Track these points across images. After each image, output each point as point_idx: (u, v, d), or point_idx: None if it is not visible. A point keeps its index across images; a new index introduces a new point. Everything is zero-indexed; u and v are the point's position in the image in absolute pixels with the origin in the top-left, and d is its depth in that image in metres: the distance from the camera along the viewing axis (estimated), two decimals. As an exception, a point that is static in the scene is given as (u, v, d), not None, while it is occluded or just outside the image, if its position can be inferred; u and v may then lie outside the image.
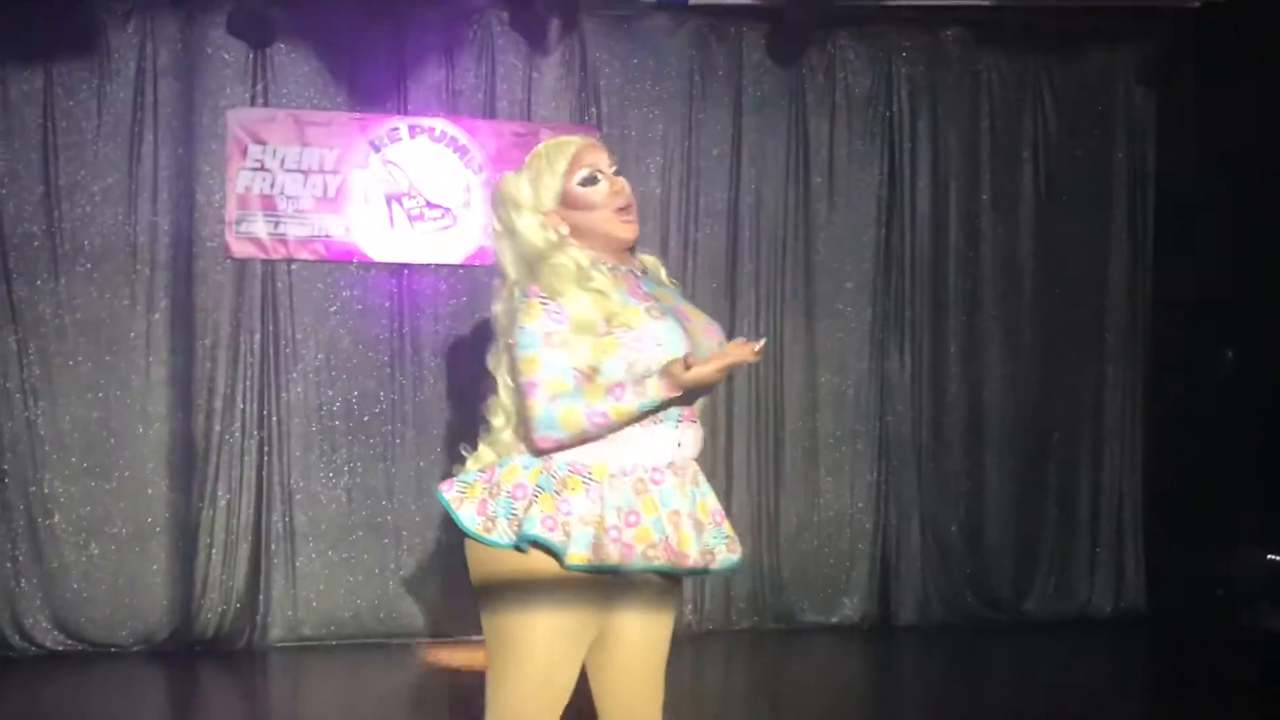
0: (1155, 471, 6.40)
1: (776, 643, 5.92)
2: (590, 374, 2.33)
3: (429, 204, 5.70)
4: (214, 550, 5.54)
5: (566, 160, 2.42)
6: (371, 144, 5.66)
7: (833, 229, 6.16)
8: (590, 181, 2.41)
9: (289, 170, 5.58)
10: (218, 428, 5.57)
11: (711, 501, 2.47)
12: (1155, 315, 6.41)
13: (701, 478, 2.47)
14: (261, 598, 5.60)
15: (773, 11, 5.84)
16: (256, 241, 5.58)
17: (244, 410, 5.61)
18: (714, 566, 2.44)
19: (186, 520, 5.54)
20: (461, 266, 5.76)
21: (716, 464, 6.01)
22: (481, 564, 2.37)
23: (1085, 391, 6.40)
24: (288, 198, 5.59)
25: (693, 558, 2.38)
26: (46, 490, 5.42)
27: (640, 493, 2.34)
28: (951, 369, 6.27)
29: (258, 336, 5.63)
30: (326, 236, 5.63)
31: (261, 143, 5.56)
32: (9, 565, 5.38)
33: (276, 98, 5.62)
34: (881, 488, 6.20)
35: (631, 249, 2.49)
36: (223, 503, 5.56)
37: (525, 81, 5.86)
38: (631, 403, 2.29)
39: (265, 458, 5.63)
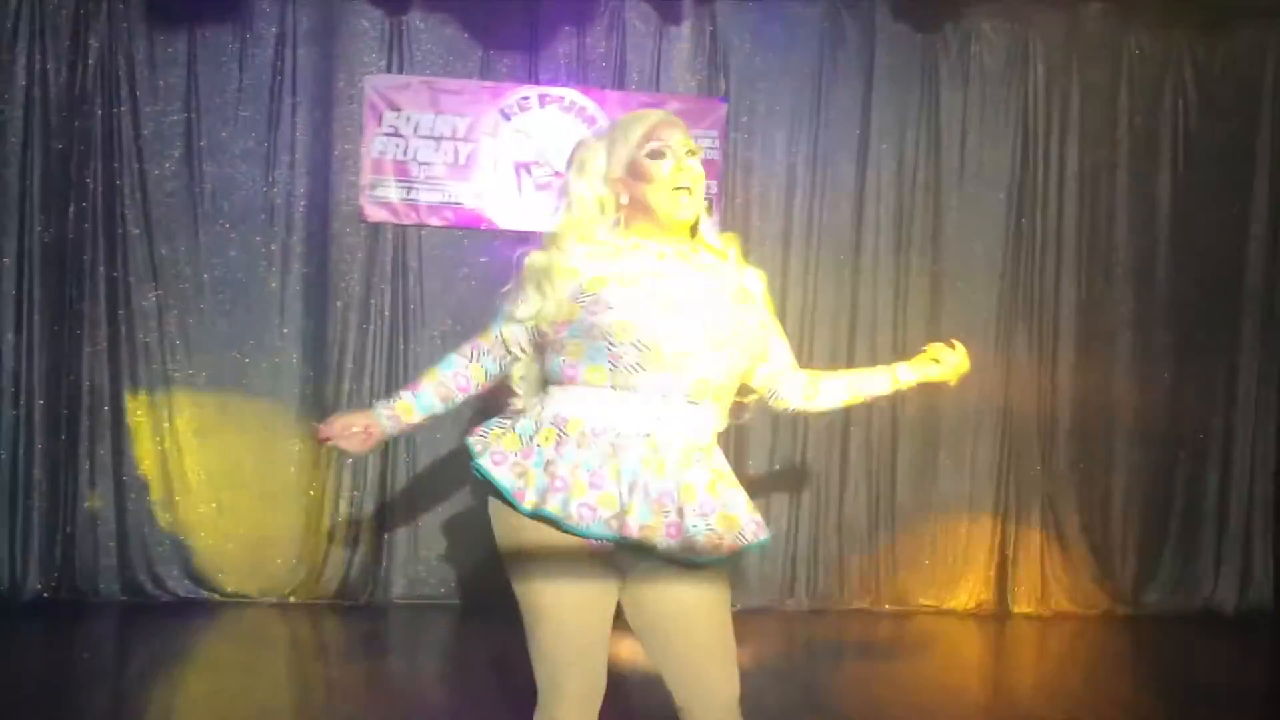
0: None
1: (890, 626, 5.88)
2: (555, 335, 2.46)
3: (556, 173, 5.74)
4: (341, 507, 5.67)
5: (642, 132, 2.50)
6: (502, 112, 5.72)
7: (962, 207, 6.07)
8: (656, 155, 2.48)
9: (422, 137, 5.67)
10: (347, 387, 5.70)
11: (703, 489, 2.41)
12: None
13: (703, 461, 2.44)
14: (385, 555, 5.71)
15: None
16: (389, 206, 5.68)
17: (373, 370, 5.72)
18: (661, 545, 2.37)
19: (315, 477, 5.67)
20: (587, 236, 5.79)
21: (832, 446, 5.99)
22: (494, 523, 2.50)
23: (1218, 383, 6.24)
24: (420, 164, 5.68)
25: (642, 533, 2.36)
26: (182, 443, 5.60)
27: (609, 457, 2.38)
28: (1079, 354, 6.15)
29: (388, 299, 5.73)
30: (457, 203, 5.70)
31: (397, 109, 5.65)
32: (145, 514, 5.56)
33: (411, 65, 5.71)
34: (1002, 473, 6.12)
35: (687, 226, 2.53)
36: (350, 461, 5.69)
37: (655, 53, 5.87)
38: None
39: (393, 418, 5.72)
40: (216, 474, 5.61)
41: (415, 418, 2.56)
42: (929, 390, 5.87)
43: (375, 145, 5.65)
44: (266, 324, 5.66)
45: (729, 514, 2.43)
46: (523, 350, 2.55)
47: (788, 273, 5.96)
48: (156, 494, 5.57)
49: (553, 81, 5.77)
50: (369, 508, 5.70)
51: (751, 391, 2.67)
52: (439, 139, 5.69)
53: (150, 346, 5.59)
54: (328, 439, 2.54)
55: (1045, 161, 6.10)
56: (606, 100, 5.78)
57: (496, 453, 2.44)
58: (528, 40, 5.76)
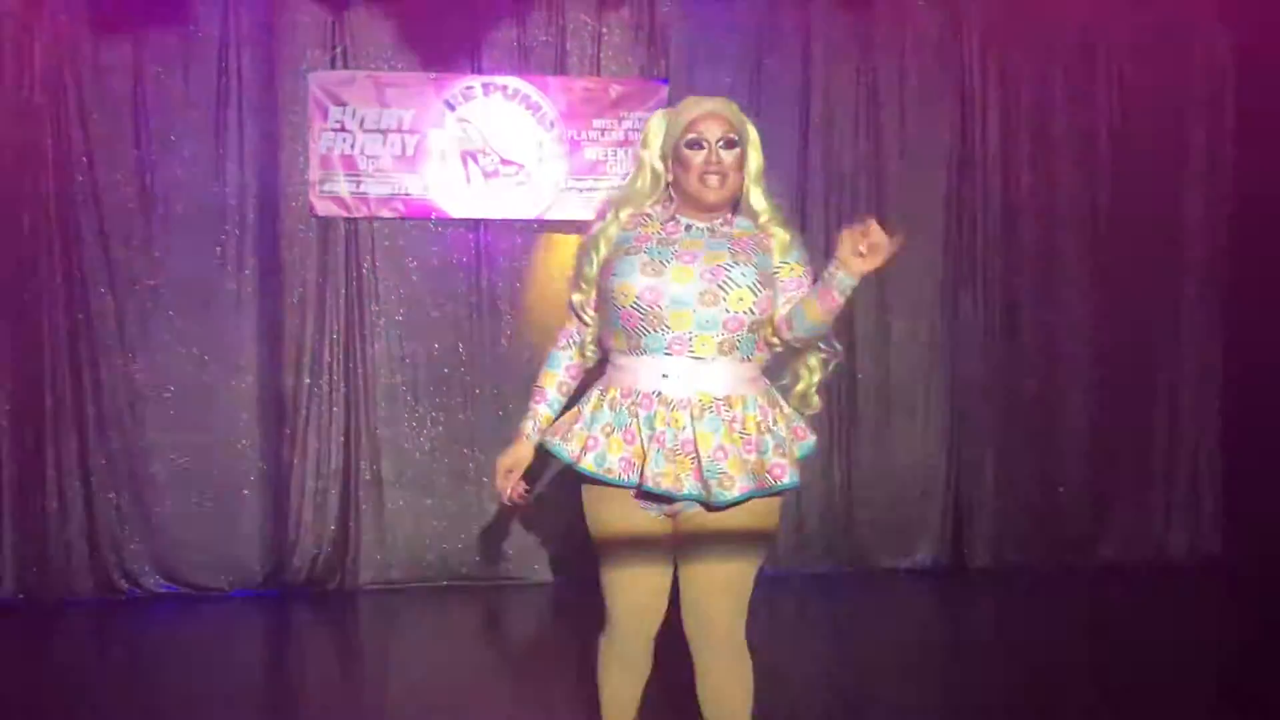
0: (1233, 414, 6.37)
1: (850, 586, 6.03)
2: (597, 303, 2.85)
3: (503, 160, 5.84)
4: (305, 497, 5.78)
5: (685, 122, 2.77)
6: (447, 103, 5.81)
7: (903, 177, 6.18)
8: (693, 145, 2.74)
9: (368, 131, 5.76)
10: (306, 380, 5.80)
11: (718, 437, 2.69)
12: (1233, 255, 6.34)
13: (718, 412, 2.70)
14: (351, 542, 5.83)
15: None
16: (339, 200, 5.77)
17: (330, 363, 5.82)
18: (684, 493, 2.69)
19: (279, 469, 5.78)
20: (535, 221, 5.90)
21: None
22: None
23: (1161, 335, 6.37)
24: (368, 157, 5.76)
25: (655, 481, 2.68)
26: (146, 442, 5.70)
27: (633, 416, 2.72)
28: (1024, 313, 6.28)
29: (343, 292, 5.83)
30: (406, 194, 5.80)
31: (342, 104, 5.73)
32: (114, 513, 5.66)
33: (355, 60, 5.78)
34: (954, 432, 6.26)
35: (722, 208, 2.80)
36: (312, 452, 5.80)
37: (595, 38, 5.94)
38: None
39: (352, 409, 5.84)
40: (181, 470, 5.72)
41: (553, 419, 2.91)
42: (880, 355, 6.11)
43: (322, 141, 5.74)
44: (223, 322, 5.75)
45: (744, 459, 2.69)
46: (588, 316, 2.88)
47: (735, 248, 6.06)
48: (124, 492, 5.68)
49: (495, 70, 5.85)
50: (333, 497, 5.81)
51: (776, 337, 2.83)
52: (385, 132, 5.78)
53: (110, 348, 5.68)
54: (512, 500, 2.94)
55: (984, 127, 6.20)
56: (549, 86, 5.87)
57: (559, 428, 2.84)
58: (469, 31, 5.83)
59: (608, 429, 2.73)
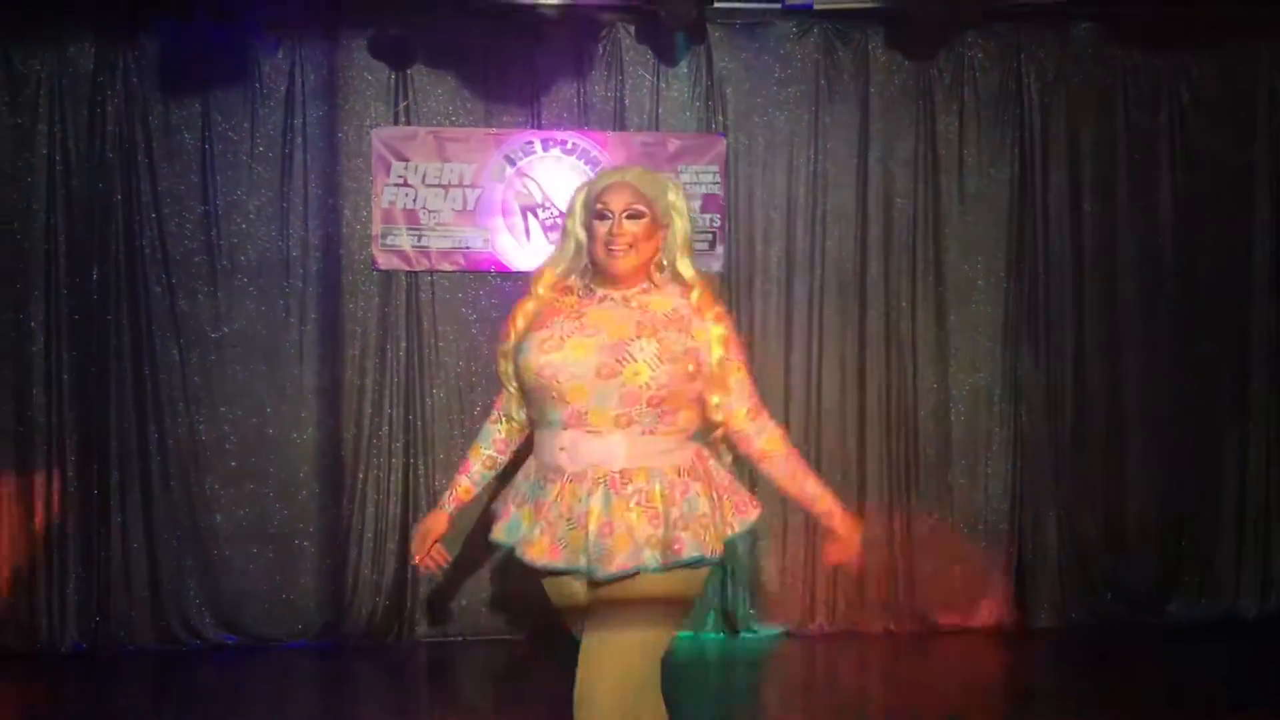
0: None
1: (910, 646, 5.92)
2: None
3: (561, 214, 5.86)
4: (363, 549, 5.81)
5: (595, 193, 2.84)
6: (507, 158, 5.87)
7: (963, 228, 6.14)
8: (598, 217, 2.82)
9: (430, 185, 5.83)
10: (366, 432, 5.84)
11: (605, 513, 2.70)
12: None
13: (610, 486, 2.72)
14: (409, 595, 5.83)
15: (898, 13, 5.86)
16: (401, 254, 5.83)
17: (391, 415, 5.86)
18: (562, 565, 2.77)
19: (338, 521, 5.81)
20: (594, 274, 5.92)
21: (849, 463, 6.06)
22: None
23: (1229, 390, 6.25)
24: (429, 211, 5.83)
25: (522, 551, 2.80)
26: (208, 492, 5.75)
27: (542, 489, 2.80)
28: (1088, 368, 6.19)
29: (403, 345, 5.88)
30: (466, 248, 5.85)
31: (404, 160, 5.81)
32: (174, 563, 5.72)
33: (417, 116, 5.87)
34: (1017, 488, 6.15)
35: (632, 277, 2.84)
36: (371, 504, 5.82)
37: (654, 92, 5.99)
38: None
39: (411, 461, 5.87)
40: (242, 520, 5.76)
41: (475, 492, 3.01)
42: (941, 409, 6.05)
43: (385, 195, 5.82)
44: (286, 373, 5.82)
45: (640, 532, 2.69)
46: (512, 387, 2.92)
47: (793, 301, 6.05)
48: (186, 542, 5.73)
49: (555, 126, 5.91)
50: (391, 549, 5.82)
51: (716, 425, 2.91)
52: (446, 186, 5.85)
53: (175, 399, 5.76)
54: (424, 566, 3.01)
55: (1044, 179, 6.15)
56: (608, 142, 5.92)
57: (504, 494, 2.95)
58: (529, 87, 5.91)
59: (520, 500, 2.84)
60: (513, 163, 5.87)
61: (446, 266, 5.87)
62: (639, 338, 2.72)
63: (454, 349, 5.92)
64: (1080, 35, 6.11)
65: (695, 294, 2.83)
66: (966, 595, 6.11)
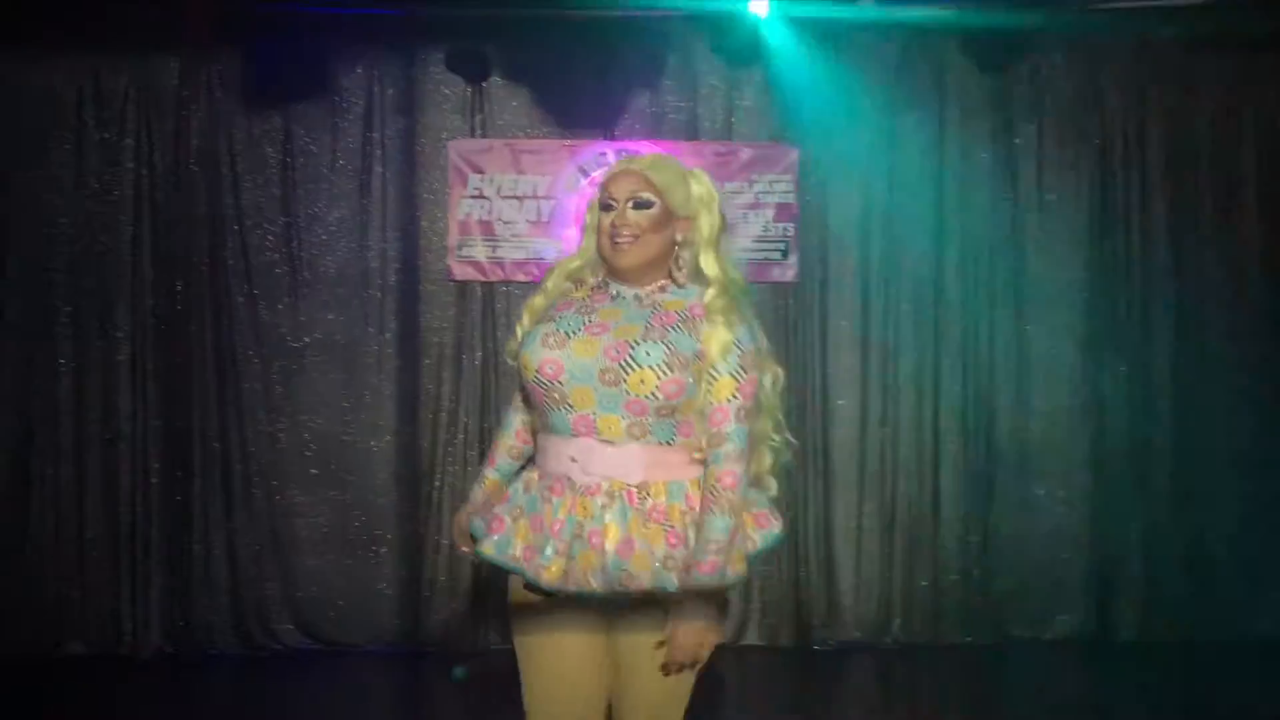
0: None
1: (988, 658, 5.85)
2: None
3: (636, 224, 5.89)
4: (440, 556, 5.86)
5: (603, 184, 2.59)
6: (580, 169, 5.91)
7: (1043, 238, 6.06)
8: (605, 207, 2.55)
9: (505, 197, 5.88)
10: (442, 441, 5.90)
11: (623, 529, 2.42)
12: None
13: (627, 501, 2.44)
14: (485, 602, 5.88)
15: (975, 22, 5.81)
16: (476, 265, 5.90)
17: (466, 424, 5.92)
18: (580, 590, 2.42)
19: (415, 527, 5.88)
20: (668, 284, 5.93)
21: (925, 475, 6.01)
22: None
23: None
24: (504, 223, 5.89)
25: (536, 573, 2.44)
26: (288, 499, 5.85)
27: (545, 500, 2.48)
28: (1170, 380, 6.08)
29: (479, 354, 5.93)
30: (540, 259, 5.90)
31: (480, 172, 5.87)
32: (255, 568, 5.81)
33: (493, 128, 5.93)
34: (1098, 500, 6.06)
35: (641, 273, 2.54)
36: (447, 511, 5.86)
37: (727, 102, 6.00)
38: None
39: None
40: (321, 526, 5.85)
41: (502, 484, 2.69)
42: (1020, 421, 5.97)
43: (461, 207, 5.88)
44: (364, 382, 5.90)
45: (660, 553, 2.42)
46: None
47: (868, 311, 6.02)
48: (267, 548, 5.83)
49: (628, 136, 5.94)
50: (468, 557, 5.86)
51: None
52: (521, 198, 5.90)
53: (256, 408, 5.86)
54: (467, 551, 2.71)
55: (1126, 191, 6.06)
56: (680, 152, 5.90)
57: (486, 505, 2.62)
58: (602, 98, 5.94)
59: (517, 513, 2.51)
60: (586, 174, 5.91)
61: (520, 277, 5.92)
62: (645, 341, 2.43)
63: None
64: (1160, 41, 6.01)
65: (710, 292, 2.50)
66: (1044, 608, 6.03)
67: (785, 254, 5.96)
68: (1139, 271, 6.07)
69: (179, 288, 5.83)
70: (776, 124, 6.01)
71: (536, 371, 2.46)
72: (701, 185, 2.57)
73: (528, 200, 5.90)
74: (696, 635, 2.42)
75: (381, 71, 5.89)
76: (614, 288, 2.56)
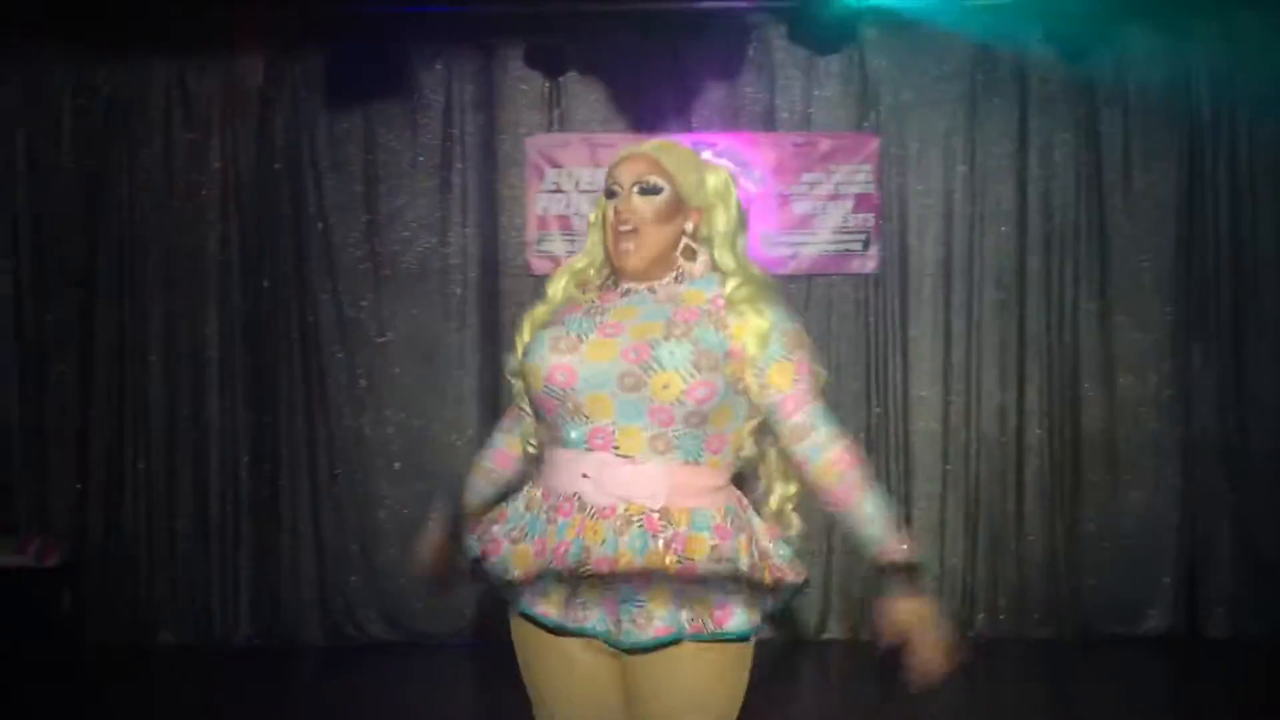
0: None
1: (1074, 655, 5.76)
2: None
3: (712, 217, 5.88)
4: (521, 549, 5.90)
5: (608, 171, 2.30)
6: (658, 162, 5.90)
7: (1129, 226, 5.95)
8: (609, 196, 2.27)
9: (583, 191, 5.91)
10: (528, 435, 5.94)
11: (640, 559, 2.10)
12: None
13: (648, 526, 2.12)
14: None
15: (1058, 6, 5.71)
16: (555, 259, 5.93)
17: (545, 417, 5.94)
18: (584, 626, 2.12)
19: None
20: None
21: (1008, 468, 5.94)
22: None
23: None
24: (581, 217, 5.91)
25: (530, 602, 2.16)
26: (374, 492, 5.94)
27: (550, 522, 2.17)
28: (1262, 370, 5.93)
29: (557, 348, 5.96)
30: (618, 252, 5.90)
31: (558, 166, 5.90)
32: (341, 561, 5.91)
33: (570, 123, 5.96)
34: (1188, 494, 5.93)
35: (649, 272, 2.25)
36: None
37: (805, 92, 5.96)
38: None
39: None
40: (406, 519, 5.92)
41: (479, 512, 2.40)
42: (1106, 412, 5.86)
43: (539, 202, 5.92)
44: (447, 377, 5.97)
45: (677, 590, 2.10)
46: (526, 404, 2.33)
47: (950, 302, 5.96)
48: (353, 541, 5.92)
49: (705, 128, 5.92)
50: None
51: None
52: (598, 192, 5.90)
53: (341, 402, 5.96)
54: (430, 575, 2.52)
55: (1214, 174, 5.92)
56: (758, 143, 5.91)
57: (484, 522, 2.31)
58: (679, 91, 5.93)
59: (517, 534, 2.20)
60: (664, 167, 5.90)
61: (599, 271, 5.93)
62: (669, 339, 2.13)
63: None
64: (1249, 23, 5.85)
65: (730, 283, 2.21)
66: (1132, 604, 5.92)
67: (865, 245, 5.91)
68: (1229, 258, 5.93)
69: (265, 285, 5.94)
70: (856, 113, 5.96)
71: (546, 380, 2.17)
72: (718, 178, 2.30)
73: (605, 194, 5.91)
74: (912, 608, 2.14)
75: (460, 68, 5.95)
76: (625, 284, 2.27)
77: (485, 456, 2.47)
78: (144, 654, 5.72)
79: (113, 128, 5.91)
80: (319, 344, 5.94)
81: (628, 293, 2.25)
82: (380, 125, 5.95)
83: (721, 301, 2.20)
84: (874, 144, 5.91)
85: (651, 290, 2.24)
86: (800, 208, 5.91)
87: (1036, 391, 5.96)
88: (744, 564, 2.13)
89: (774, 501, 2.27)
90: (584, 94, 5.96)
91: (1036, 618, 5.91)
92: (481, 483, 2.46)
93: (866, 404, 5.94)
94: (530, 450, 2.35)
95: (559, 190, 5.92)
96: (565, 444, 2.19)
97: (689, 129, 5.92)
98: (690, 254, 2.26)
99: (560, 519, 2.16)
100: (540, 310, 2.32)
